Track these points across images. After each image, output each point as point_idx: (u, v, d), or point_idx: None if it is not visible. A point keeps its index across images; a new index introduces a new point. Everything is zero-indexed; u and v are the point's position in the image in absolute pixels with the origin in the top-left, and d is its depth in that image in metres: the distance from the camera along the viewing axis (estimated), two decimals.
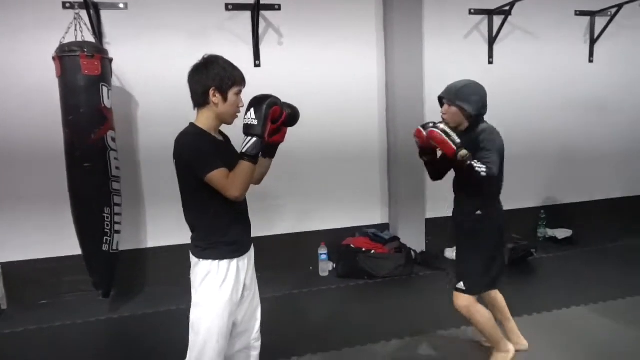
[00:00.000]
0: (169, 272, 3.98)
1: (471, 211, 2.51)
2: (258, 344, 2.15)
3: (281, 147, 2.13)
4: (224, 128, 2.03)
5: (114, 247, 3.57)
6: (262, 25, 4.22)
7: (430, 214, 4.79)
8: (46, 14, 3.72)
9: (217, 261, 1.89)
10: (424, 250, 4.67)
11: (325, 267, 4.39)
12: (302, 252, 4.50)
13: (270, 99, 1.81)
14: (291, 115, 2.01)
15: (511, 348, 2.66)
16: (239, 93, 1.92)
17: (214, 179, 1.79)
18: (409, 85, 4.51)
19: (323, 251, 4.38)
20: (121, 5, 3.90)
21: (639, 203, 5.50)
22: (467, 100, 2.43)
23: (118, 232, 3.59)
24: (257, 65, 4.23)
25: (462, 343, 3.00)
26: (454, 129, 2.45)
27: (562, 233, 5.05)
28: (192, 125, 1.93)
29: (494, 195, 2.54)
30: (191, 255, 1.96)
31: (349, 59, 4.51)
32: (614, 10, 4.99)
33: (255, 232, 2.12)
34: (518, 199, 4.81)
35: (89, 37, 3.60)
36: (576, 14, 5.10)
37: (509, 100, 4.74)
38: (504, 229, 2.59)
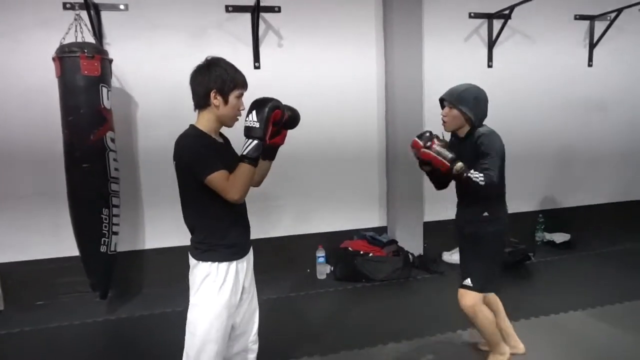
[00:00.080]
0: (167, 273, 3.97)
1: (478, 212, 2.51)
2: (256, 346, 2.15)
3: (280, 149, 2.14)
4: (224, 130, 2.03)
5: (112, 249, 3.56)
6: (261, 27, 4.22)
7: (428, 217, 4.80)
8: (46, 15, 3.72)
9: (216, 263, 1.89)
10: (422, 254, 4.67)
11: (323, 269, 4.38)
12: (299, 254, 4.49)
13: (272, 102, 1.82)
14: (292, 118, 2.02)
15: (507, 350, 2.67)
16: (240, 96, 1.92)
17: (213, 181, 1.79)
18: (408, 87, 4.51)
19: (321, 254, 4.37)
20: (121, 7, 3.90)
21: (636, 207, 5.51)
22: (468, 103, 2.44)
23: (116, 233, 3.59)
24: (256, 67, 4.23)
25: (459, 346, 3.01)
26: (454, 132, 2.48)
27: (560, 237, 5.05)
28: (192, 127, 1.93)
29: (499, 197, 2.55)
30: (190, 256, 1.96)
31: (349, 62, 4.51)
32: (613, 15, 5.00)
33: (253, 234, 2.11)
34: (516, 203, 4.76)
35: (89, 38, 3.60)
36: (575, 18, 5.11)
37: (508, 104, 4.74)
38: (506, 231, 2.60)
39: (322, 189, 4.58)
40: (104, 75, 3.40)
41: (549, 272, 4.36)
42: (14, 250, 3.86)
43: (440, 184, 2.72)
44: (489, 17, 4.78)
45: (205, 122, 1.92)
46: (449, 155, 2.36)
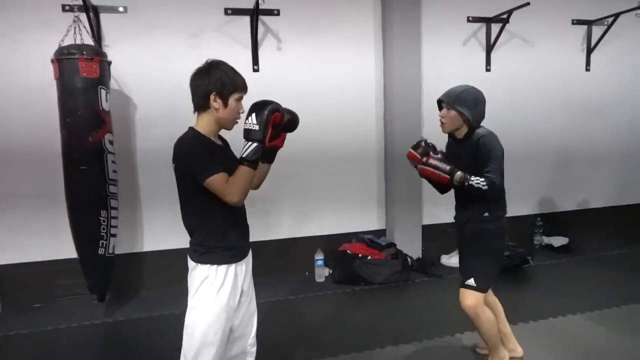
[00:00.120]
0: (165, 276, 3.97)
1: (479, 212, 2.50)
2: (254, 349, 2.15)
3: (279, 151, 2.14)
4: (223, 133, 2.03)
5: (110, 251, 3.55)
6: (260, 30, 4.23)
7: (426, 221, 4.80)
8: (46, 16, 3.72)
9: (215, 266, 1.89)
10: (420, 257, 4.67)
11: (322, 272, 4.38)
12: (298, 257, 4.49)
13: (271, 104, 1.82)
14: (291, 121, 2.02)
15: (505, 354, 2.66)
16: (239, 99, 1.92)
17: (213, 184, 1.78)
18: (407, 87, 4.52)
19: (319, 257, 4.37)
20: (120, 9, 3.90)
21: (634, 211, 5.53)
22: (466, 105, 2.44)
23: (114, 235, 3.57)
24: (255, 70, 4.23)
25: (458, 350, 3.01)
26: (451, 133, 2.51)
27: (558, 241, 5.06)
28: (191, 129, 1.93)
29: (499, 198, 2.54)
30: (189, 259, 1.96)
31: (347, 63, 4.52)
32: (610, 20, 5.02)
33: (251, 237, 2.11)
34: (514, 207, 4.75)
35: (88, 40, 3.60)
36: (573, 23, 5.14)
37: (506, 107, 4.75)
38: (507, 231, 2.60)
39: (321, 190, 4.58)
40: (103, 77, 3.40)
41: (547, 275, 4.36)
42: (12, 252, 3.85)
43: (443, 190, 2.73)
44: (487, 21, 4.81)
45: (204, 124, 1.91)
46: (447, 167, 2.36)
